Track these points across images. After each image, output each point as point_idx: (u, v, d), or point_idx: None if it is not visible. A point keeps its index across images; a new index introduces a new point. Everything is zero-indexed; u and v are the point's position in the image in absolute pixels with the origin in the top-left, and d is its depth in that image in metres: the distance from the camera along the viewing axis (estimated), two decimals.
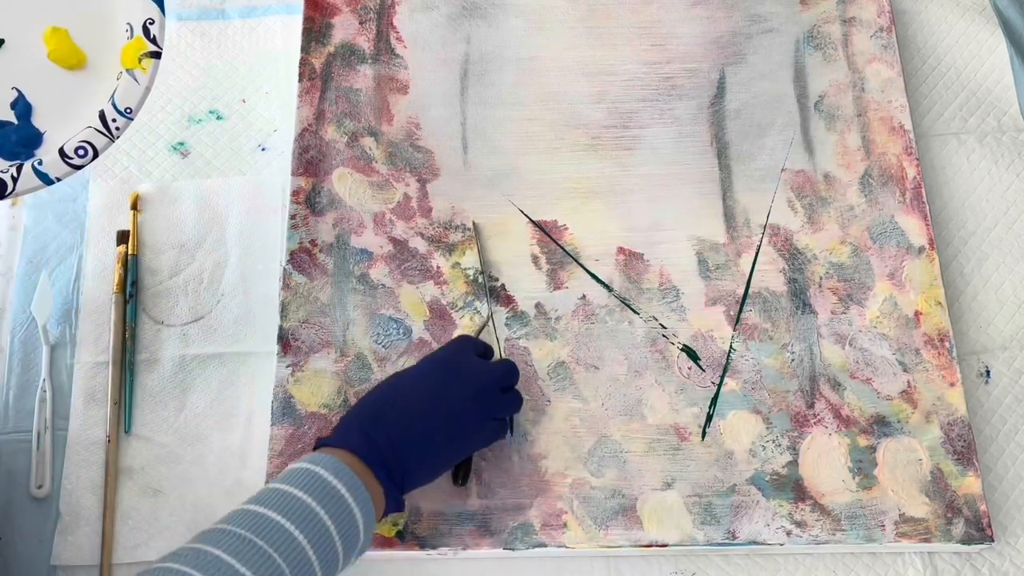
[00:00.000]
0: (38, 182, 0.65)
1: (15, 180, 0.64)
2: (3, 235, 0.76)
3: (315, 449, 0.59)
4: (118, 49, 0.69)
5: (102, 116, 0.66)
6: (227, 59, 0.82)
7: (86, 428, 0.69)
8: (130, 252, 0.74)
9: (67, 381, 0.71)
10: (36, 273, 0.74)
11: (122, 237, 0.75)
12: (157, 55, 0.68)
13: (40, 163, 0.65)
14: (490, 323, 0.70)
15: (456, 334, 0.70)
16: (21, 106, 0.67)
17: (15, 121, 0.67)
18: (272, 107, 0.80)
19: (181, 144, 0.79)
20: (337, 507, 0.54)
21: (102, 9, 0.69)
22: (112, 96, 0.67)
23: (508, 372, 0.65)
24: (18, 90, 0.68)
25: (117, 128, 0.66)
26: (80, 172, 0.76)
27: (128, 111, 0.67)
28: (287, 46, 0.81)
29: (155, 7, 0.69)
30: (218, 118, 0.80)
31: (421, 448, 0.60)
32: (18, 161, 0.65)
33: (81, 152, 0.66)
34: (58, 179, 0.65)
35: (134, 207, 0.76)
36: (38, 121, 0.67)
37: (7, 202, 0.77)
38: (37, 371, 0.71)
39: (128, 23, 0.69)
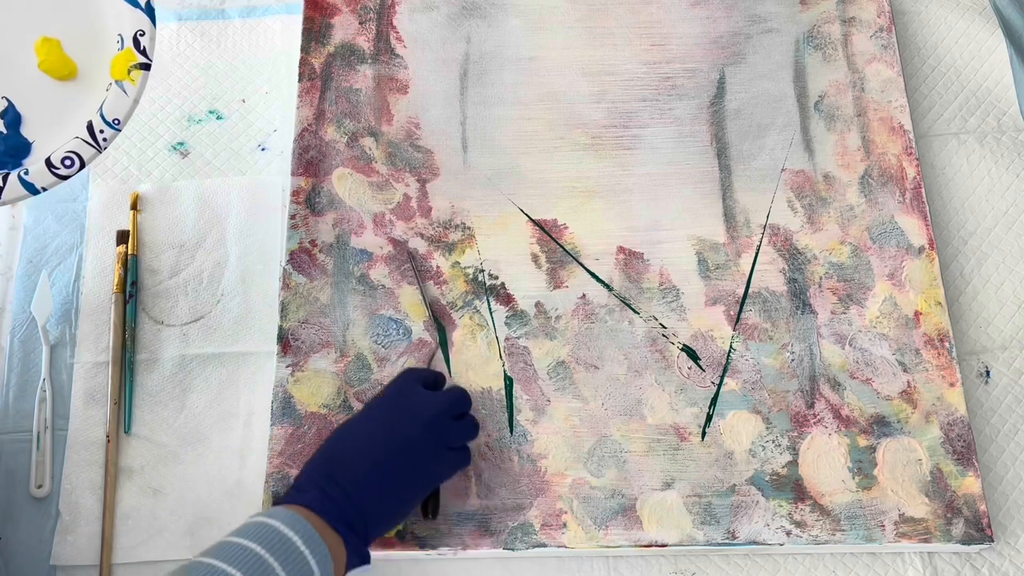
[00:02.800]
0: (24, 192, 0.64)
1: (0, 190, 0.64)
2: (3, 235, 0.76)
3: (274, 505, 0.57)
4: (108, 60, 0.68)
5: (90, 127, 0.66)
6: (227, 59, 0.82)
7: (86, 428, 0.69)
8: (130, 252, 0.74)
9: (67, 381, 0.71)
10: (36, 273, 0.74)
11: (122, 237, 0.75)
12: (147, 67, 0.67)
13: (26, 173, 0.65)
14: (439, 352, 0.69)
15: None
16: (11, 116, 0.67)
17: (4, 131, 0.67)
18: (272, 107, 0.80)
19: (181, 144, 0.79)
20: (292, 559, 0.53)
21: (94, 20, 0.69)
22: (100, 107, 0.66)
23: (458, 400, 0.64)
24: (8, 100, 0.68)
25: (104, 139, 0.66)
26: (79, 173, 0.77)
27: (116, 122, 0.66)
28: (287, 46, 0.81)
29: (146, 19, 0.68)
30: (218, 118, 0.80)
31: (379, 494, 0.58)
32: (4, 171, 0.65)
33: (68, 162, 0.65)
34: (44, 189, 0.65)
35: (134, 207, 0.76)
36: (27, 131, 0.67)
37: None
38: (37, 371, 0.71)
39: (119, 34, 0.68)
